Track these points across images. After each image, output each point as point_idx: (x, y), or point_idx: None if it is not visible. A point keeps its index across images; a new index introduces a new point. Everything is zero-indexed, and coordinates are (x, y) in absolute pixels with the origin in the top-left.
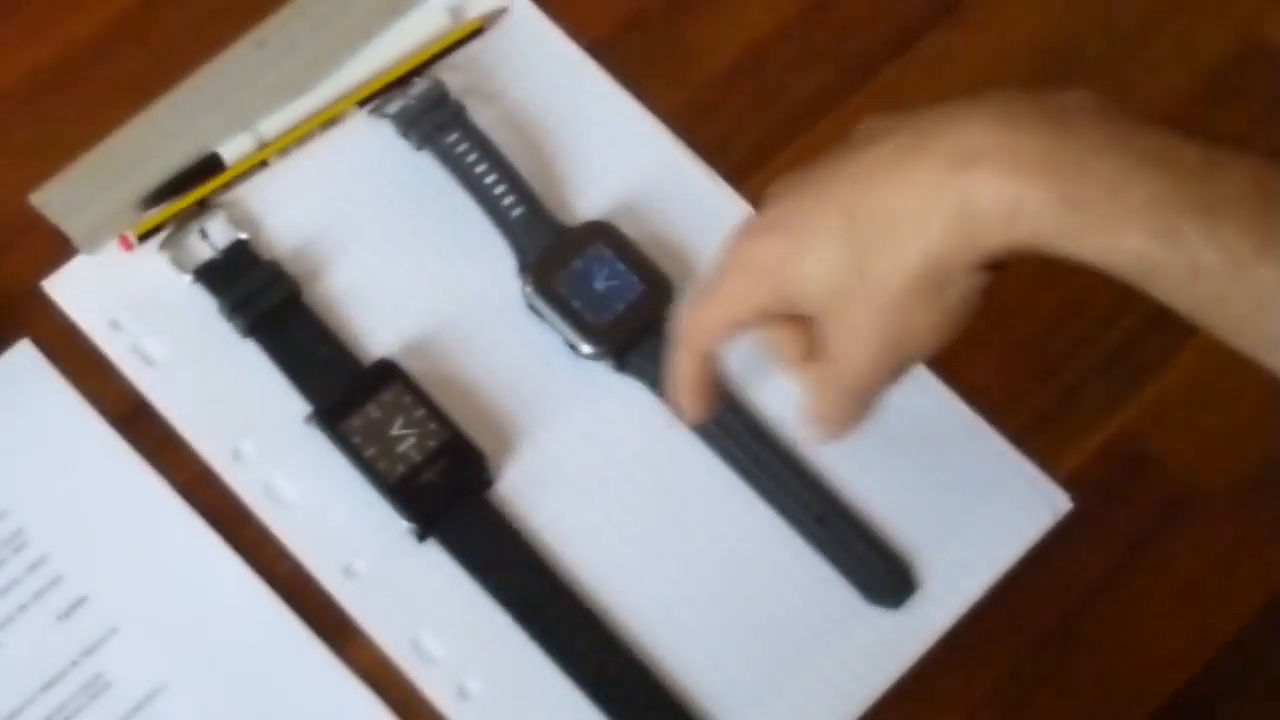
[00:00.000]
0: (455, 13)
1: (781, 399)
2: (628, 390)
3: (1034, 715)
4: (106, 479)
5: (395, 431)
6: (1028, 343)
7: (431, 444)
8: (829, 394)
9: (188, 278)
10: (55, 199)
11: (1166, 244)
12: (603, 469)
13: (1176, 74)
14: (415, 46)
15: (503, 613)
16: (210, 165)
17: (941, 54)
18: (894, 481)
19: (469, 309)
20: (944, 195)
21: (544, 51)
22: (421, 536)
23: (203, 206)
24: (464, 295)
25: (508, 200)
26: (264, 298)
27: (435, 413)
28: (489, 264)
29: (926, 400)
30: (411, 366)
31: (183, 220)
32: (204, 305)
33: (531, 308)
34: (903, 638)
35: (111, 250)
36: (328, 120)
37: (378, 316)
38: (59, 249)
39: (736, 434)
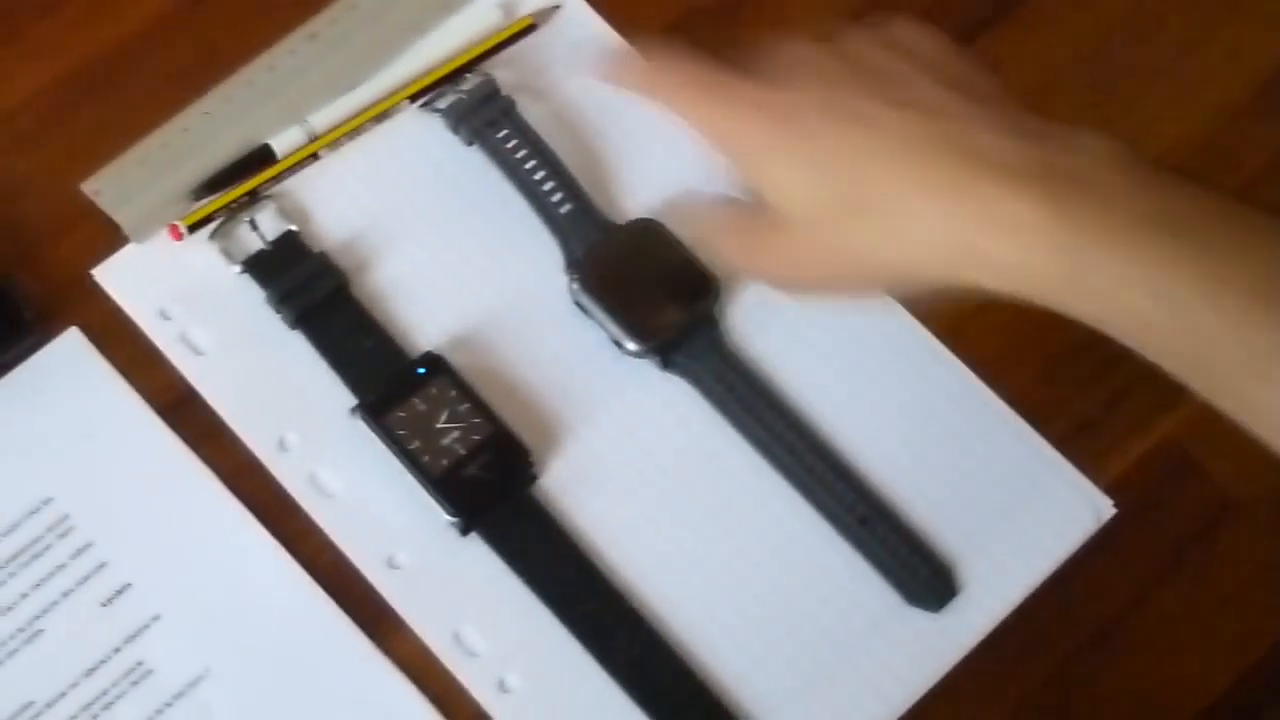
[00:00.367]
0: (507, 9)
1: (825, 399)
2: (672, 388)
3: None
4: (152, 467)
5: (440, 425)
6: (1074, 347)
7: (476, 438)
8: (731, 251)
9: (237, 268)
10: (107, 188)
11: (1167, 306)
12: (646, 466)
13: (1227, 82)
14: (467, 42)
15: (544, 608)
16: (261, 157)
17: (995, 57)
18: (937, 484)
19: (515, 304)
20: (948, 224)
21: (595, 49)
22: (464, 530)
23: (253, 198)
24: (511, 290)
25: (556, 197)
26: (312, 289)
27: (480, 407)
28: (536, 260)
29: (970, 403)
30: (457, 360)
31: (233, 211)
32: (252, 296)
33: (578, 304)
34: (943, 641)
35: (162, 240)
36: (379, 114)
37: (424, 310)
38: (110, 238)
39: (780, 434)
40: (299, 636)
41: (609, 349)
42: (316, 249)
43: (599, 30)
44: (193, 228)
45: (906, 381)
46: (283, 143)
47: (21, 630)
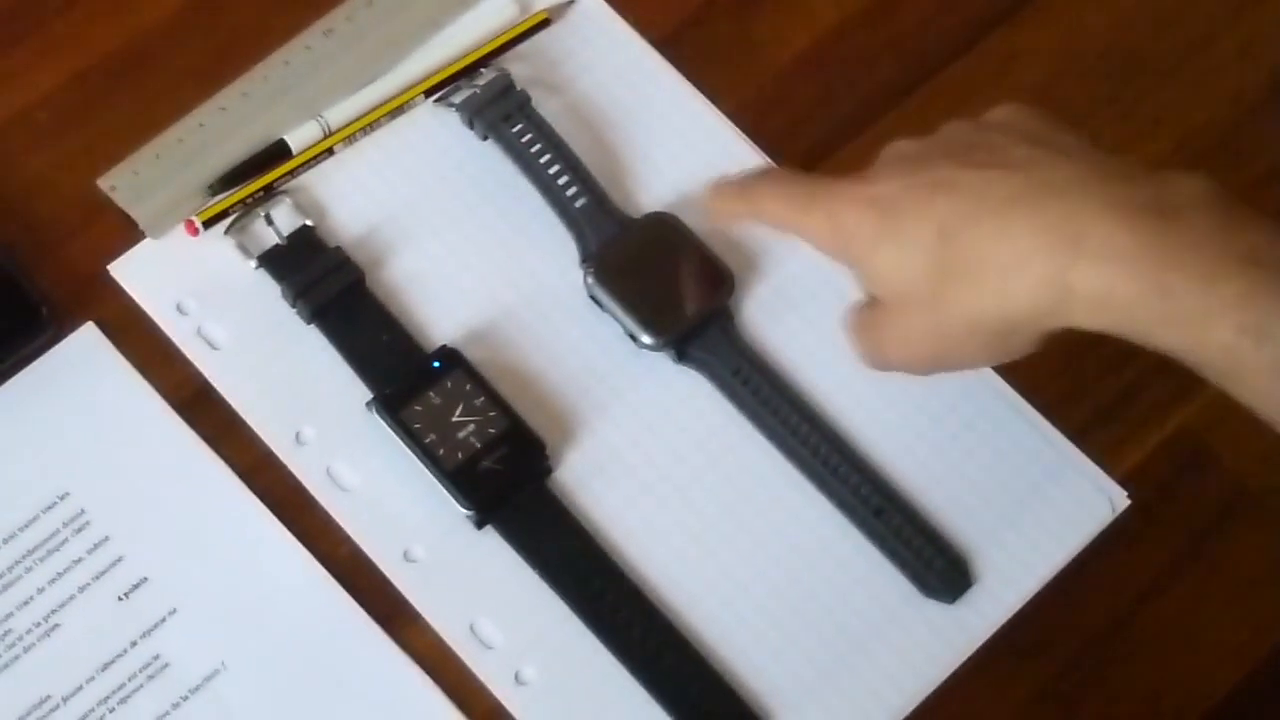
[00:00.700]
0: (523, 4)
1: (840, 391)
2: (687, 381)
3: (1088, 710)
4: (168, 462)
5: (456, 419)
6: (1089, 339)
7: (492, 432)
8: (859, 346)
9: (253, 263)
10: (123, 183)
11: (1254, 340)
12: (661, 459)
13: (1239, 76)
14: (482, 38)
15: (560, 600)
16: (277, 152)
17: (1006, 52)
18: (952, 475)
19: (531, 298)
20: (1038, 266)
21: (610, 44)
22: (480, 523)
23: (269, 193)
24: (526, 285)
25: (571, 191)
26: (328, 284)
27: (496, 401)
28: (551, 254)
29: (986, 395)
30: (473, 354)
31: (249, 206)
32: (268, 291)
33: (593, 298)
34: (958, 631)
35: (178, 235)
36: (394, 109)
37: (440, 304)
38: (126, 233)
39: (795, 426)
40: (315, 630)
41: (624, 342)
42: (332, 244)
43: (613, 25)
44: (208, 223)
45: None
46: (298, 138)
47: (39, 624)
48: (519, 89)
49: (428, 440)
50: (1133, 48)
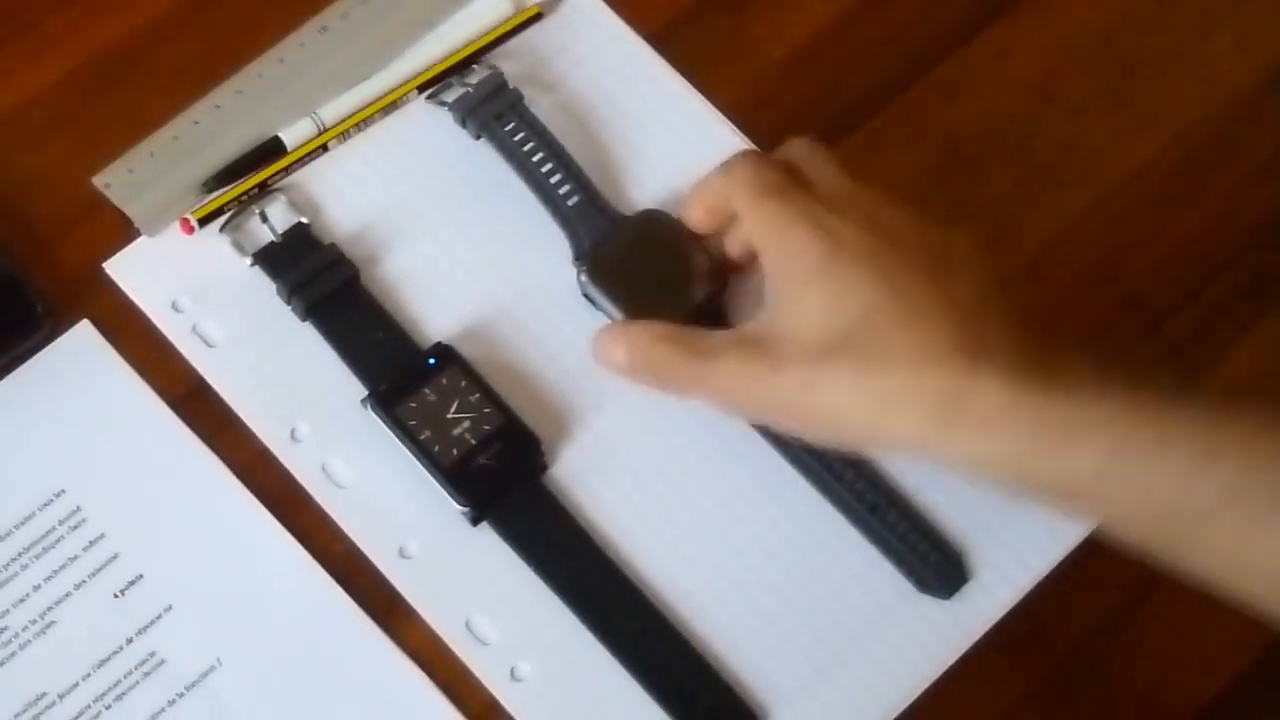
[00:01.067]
0: (517, 2)
1: None
2: None
3: (1083, 707)
4: (164, 459)
5: (451, 415)
6: (1086, 337)
7: (487, 428)
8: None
9: (248, 261)
10: (117, 181)
11: (1119, 461)
12: (657, 456)
13: (1233, 71)
14: (477, 34)
15: (555, 596)
16: (272, 149)
17: (1001, 48)
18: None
19: (524, 295)
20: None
21: (603, 39)
22: (475, 520)
23: (263, 190)
24: (520, 282)
25: (564, 189)
26: (323, 281)
27: (491, 397)
28: (545, 251)
29: None
30: (468, 351)
31: (244, 204)
32: (263, 288)
33: (586, 295)
34: (954, 627)
35: (173, 233)
36: (387, 105)
37: (435, 301)
38: (121, 231)
39: None
40: (311, 626)
41: None
42: (327, 241)
43: (606, 20)
44: (203, 220)
45: None
46: (293, 135)
47: (34, 622)
48: (511, 87)
49: (423, 437)
50: (1128, 42)
